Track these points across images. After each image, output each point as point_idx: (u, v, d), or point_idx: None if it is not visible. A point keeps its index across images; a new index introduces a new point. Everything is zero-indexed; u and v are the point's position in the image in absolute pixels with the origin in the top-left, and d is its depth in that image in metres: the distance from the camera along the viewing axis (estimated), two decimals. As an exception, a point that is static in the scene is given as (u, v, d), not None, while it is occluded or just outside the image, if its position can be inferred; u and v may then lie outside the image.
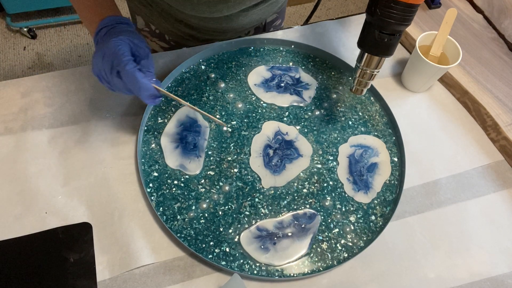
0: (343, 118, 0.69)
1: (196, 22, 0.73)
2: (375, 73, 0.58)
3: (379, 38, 0.52)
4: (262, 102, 0.69)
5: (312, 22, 0.81)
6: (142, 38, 0.55)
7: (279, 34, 0.78)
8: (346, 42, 0.78)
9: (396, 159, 0.65)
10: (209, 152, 0.64)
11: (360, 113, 0.69)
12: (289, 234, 0.58)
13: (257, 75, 0.72)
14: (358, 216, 0.60)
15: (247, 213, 0.59)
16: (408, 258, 0.58)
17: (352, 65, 0.72)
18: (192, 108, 0.58)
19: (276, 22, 0.92)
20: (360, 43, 0.56)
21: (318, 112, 0.69)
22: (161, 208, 0.59)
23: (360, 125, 0.68)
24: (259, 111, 0.68)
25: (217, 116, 0.67)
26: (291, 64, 0.74)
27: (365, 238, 0.58)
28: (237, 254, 0.56)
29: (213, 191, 0.60)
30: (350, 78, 0.73)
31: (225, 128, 0.66)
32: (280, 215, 0.59)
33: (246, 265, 0.55)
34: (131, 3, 0.81)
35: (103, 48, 0.51)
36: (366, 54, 0.56)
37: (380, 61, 0.56)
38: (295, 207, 0.60)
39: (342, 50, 0.77)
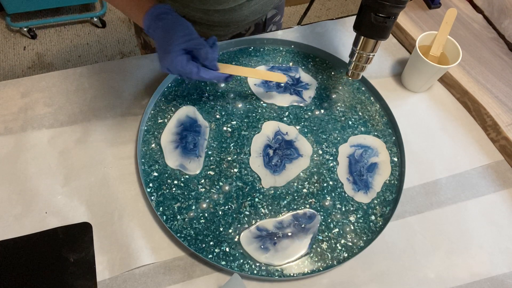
0: (343, 118, 0.69)
1: (199, 16, 0.73)
2: (371, 56, 0.58)
3: (375, 21, 0.53)
4: (262, 102, 0.69)
5: (312, 22, 0.81)
6: (186, 25, 0.57)
7: (279, 34, 0.78)
8: (346, 42, 0.78)
9: (396, 159, 0.65)
10: (209, 152, 0.64)
11: (360, 113, 0.69)
12: (289, 234, 0.58)
13: (257, 75, 0.72)
14: (358, 216, 0.60)
15: (247, 213, 0.59)
16: (408, 258, 0.58)
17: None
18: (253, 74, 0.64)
19: (276, 18, 0.92)
20: (356, 26, 0.56)
21: (318, 112, 0.69)
22: (161, 208, 0.59)
23: (360, 125, 0.68)
24: (259, 111, 0.68)
25: (217, 116, 0.67)
26: (291, 64, 0.74)
27: (365, 238, 0.58)
28: (237, 254, 0.56)
29: (213, 191, 0.60)
30: (350, 78, 0.73)
31: (225, 128, 0.66)
32: (280, 215, 0.59)
33: (246, 265, 0.55)
34: None
35: (165, 62, 0.56)
36: (362, 37, 0.56)
37: (376, 44, 0.57)
38: (295, 207, 0.60)
39: (342, 50, 0.77)
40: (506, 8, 0.80)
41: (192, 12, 0.72)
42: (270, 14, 0.89)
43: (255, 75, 0.64)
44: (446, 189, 0.64)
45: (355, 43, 0.58)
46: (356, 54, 0.59)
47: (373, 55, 0.58)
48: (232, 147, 0.64)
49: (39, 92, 0.68)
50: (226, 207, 0.59)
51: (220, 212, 0.59)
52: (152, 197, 0.59)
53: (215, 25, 0.77)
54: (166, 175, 0.61)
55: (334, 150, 0.65)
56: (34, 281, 0.53)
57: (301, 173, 0.63)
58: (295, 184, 0.62)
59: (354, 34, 0.80)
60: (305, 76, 0.72)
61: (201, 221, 0.58)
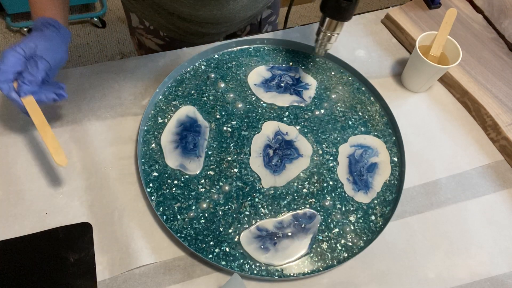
0: (343, 118, 0.69)
1: (188, 11, 0.72)
2: (335, 35, 0.64)
3: (337, 4, 0.58)
4: (262, 102, 0.69)
5: (312, 22, 0.81)
6: (56, 44, 0.55)
7: (279, 34, 0.78)
8: (346, 42, 0.78)
9: (396, 159, 0.65)
10: (209, 152, 0.64)
11: (360, 113, 0.69)
12: (289, 234, 0.58)
13: (257, 75, 0.72)
14: (358, 216, 0.60)
15: (247, 213, 0.59)
16: (408, 258, 0.58)
17: (352, 65, 0.72)
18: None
19: (271, 18, 0.92)
20: (321, 8, 0.61)
21: (318, 112, 0.69)
22: (161, 208, 0.59)
23: (360, 125, 0.68)
24: (259, 111, 0.68)
25: (217, 116, 0.67)
26: (291, 64, 0.74)
27: (365, 238, 0.58)
28: (237, 254, 0.56)
29: (213, 191, 0.60)
30: (350, 78, 0.73)
31: (225, 128, 0.66)
32: (280, 215, 0.59)
33: (246, 265, 0.55)
34: (124, 0, 0.81)
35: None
36: (327, 18, 0.61)
37: (337, 25, 0.62)
38: (295, 207, 0.60)
39: (342, 50, 0.77)
40: (506, 8, 0.80)
41: (180, 7, 0.71)
42: (265, 14, 0.89)
43: (43, 134, 0.54)
44: (446, 189, 0.64)
45: (321, 23, 0.63)
46: (321, 33, 0.64)
47: (337, 34, 0.63)
48: (232, 147, 0.64)
49: (39, 92, 0.67)
50: (226, 207, 0.59)
51: (220, 212, 0.59)
52: (152, 197, 0.59)
53: (205, 22, 0.76)
54: (166, 175, 0.61)
55: (334, 150, 0.65)
56: (34, 281, 0.53)
57: (301, 173, 0.63)
58: (295, 184, 0.62)
59: (354, 34, 0.80)
60: (305, 76, 0.72)
61: (201, 221, 0.58)
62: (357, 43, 0.78)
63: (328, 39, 0.64)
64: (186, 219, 0.58)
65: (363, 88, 0.72)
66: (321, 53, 0.67)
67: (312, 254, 0.57)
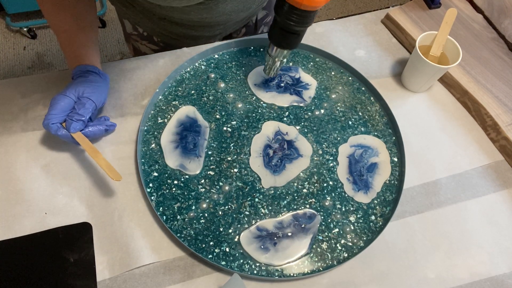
0: (343, 118, 0.69)
1: (178, 16, 0.71)
2: (283, 60, 0.64)
3: (282, 35, 0.59)
4: (262, 102, 0.69)
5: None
6: (93, 88, 0.60)
7: (279, 34, 0.78)
8: (346, 42, 0.78)
9: (396, 159, 0.65)
10: (209, 152, 0.64)
11: (360, 113, 0.69)
12: (289, 234, 0.58)
13: (257, 75, 0.72)
14: (358, 216, 0.60)
15: (247, 213, 0.59)
16: (408, 258, 0.58)
17: (352, 65, 0.72)
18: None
19: (267, 18, 0.91)
20: (269, 36, 0.62)
21: (318, 112, 0.69)
22: (161, 208, 0.59)
23: (360, 125, 0.68)
24: (259, 111, 0.68)
25: (217, 116, 0.67)
26: (291, 64, 0.74)
27: (365, 238, 0.58)
28: (237, 254, 0.56)
29: (213, 191, 0.60)
30: (350, 78, 0.73)
31: (225, 128, 0.66)
32: (280, 215, 0.59)
33: (246, 265, 0.55)
34: (116, 7, 0.80)
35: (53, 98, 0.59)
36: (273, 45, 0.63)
37: (282, 52, 0.62)
38: (295, 207, 0.60)
39: (342, 50, 0.77)
40: (506, 8, 0.80)
41: (170, 13, 0.71)
42: (260, 15, 0.88)
43: (95, 158, 0.57)
44: (446, 189, 0.64)
45: (269, 48, 0.63)
46: (270, 58, 0.64)
47: (284, 60, 0.64)
48: (232, 147, 0.64)
49: (39, 92, 0.68)
50: (226, 207, 0.59)
51: (220, 212, 0.59)
52: (152, 197, 0.59)
53: (197, 25, 0.75)
54: (166, 175, 0.61)
55: (334, 150, 0.65)
56: (34, 281, 0.53)
57: (301, 173, 0.63)
58: (295, 184, 0.62)
59: (354, 34, 0.80)
60: (305, 76, 0.72)
61: (201, 221, 0.58)
62: (357, 43, 0.78)
63: (274, 63, 0.65)
64: (186, 219, 0.58)
65: (363, 88, 0.72)
66: (270, 75, 0.68)
67: (312, 254, 0.57)
